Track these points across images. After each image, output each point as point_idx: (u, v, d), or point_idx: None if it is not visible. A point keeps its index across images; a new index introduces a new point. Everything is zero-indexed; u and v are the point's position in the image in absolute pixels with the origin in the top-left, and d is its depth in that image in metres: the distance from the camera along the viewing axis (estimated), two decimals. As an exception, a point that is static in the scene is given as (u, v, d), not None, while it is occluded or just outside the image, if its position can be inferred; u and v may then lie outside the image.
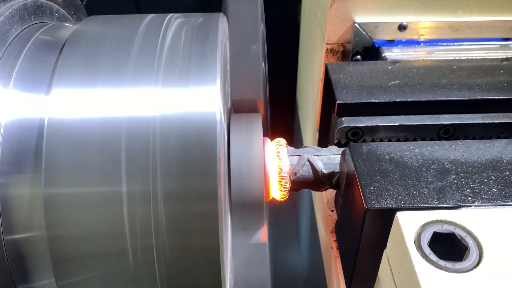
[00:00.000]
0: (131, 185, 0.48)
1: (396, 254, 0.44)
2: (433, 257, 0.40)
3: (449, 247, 0.42)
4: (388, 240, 0.47)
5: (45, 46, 0.58)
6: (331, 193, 0.82)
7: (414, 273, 0.39)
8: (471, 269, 0.39)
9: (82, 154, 0.48)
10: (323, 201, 0.85)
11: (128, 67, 0.52)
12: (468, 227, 0.42)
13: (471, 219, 0.43)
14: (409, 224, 0.43)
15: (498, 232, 0.42)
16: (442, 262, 0.39)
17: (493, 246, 0.40)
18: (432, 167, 0.56)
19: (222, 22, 0.60)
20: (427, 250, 0.40)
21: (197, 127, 0.49)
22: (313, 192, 1.00)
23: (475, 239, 0.41)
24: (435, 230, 0.42)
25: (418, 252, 0.40)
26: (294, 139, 1.34)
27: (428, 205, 0.51)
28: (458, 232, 0.42)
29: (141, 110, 0.50)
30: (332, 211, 0.80)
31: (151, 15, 0.63)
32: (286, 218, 1.37)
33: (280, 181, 0.66)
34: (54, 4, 0.70)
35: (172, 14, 0.63)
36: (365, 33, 0.77)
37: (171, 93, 0.51)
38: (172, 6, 1.40)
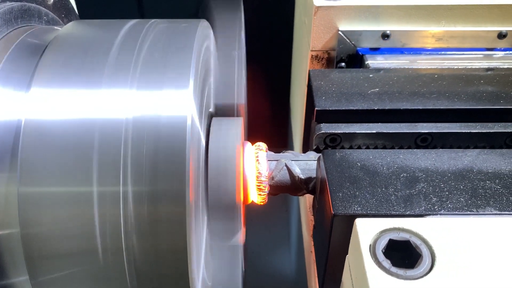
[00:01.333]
0: (102, 186, 0.50)
1: (354, 259, 0.45)
2: (385, 263, 0.41)
3: (404, 255, 0.42)
4: (349, 246, 0.48)
5: (29, 49, 0.60)
6: (314, 198, 0.82)
7: (366, 278, 0.40)
8: (422, 277, 0.40)
9: (56, 154, 0.50)
10: (306, 205, 0.86)
11: (105, 70, 0.54)
12: (423, 235, 0.43)
13: (428, 228, 0.44)
14: (367, 230, 0.44)
15: (453, 241, 0.43)
16: (394, 269, 0.40)
17: (446, 254, 0.41)
18: (402, 175, 0.57)
19: (202, 28, 0.61)
20: (381, 257, 0.41)
21: (168, 130, 0.50)
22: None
23: (429, 247, 0.42)
24: (391, 238, 0.43)
25: (372, 258, 0.41)
26: (288, 144, 1.35)
27: (394, 213, 0.52)
28: (414, 240, 0.42)
29: (114, 112, 0.51)
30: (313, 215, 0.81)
31: (135, 20, 0.64)
32: (278, 221, 1.38)
33: (258, 185, 0.67)
34: (43, 8, 0.72)
35: (155, 20, 0.65)
36: (349, 41, 0.78)
37: (145, 96, 0.52)
38: (174, 9, 1.41)
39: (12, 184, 0.52)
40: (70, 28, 0.62)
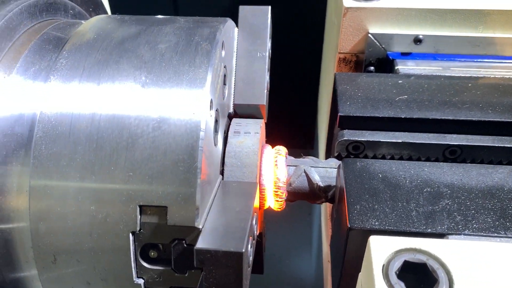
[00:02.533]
0: (113, 183, 0.49)
1: (365, 279, 0.42)
2: (398, 287, 0.38)
3: (420, 278, 0.40)
4: (362, 264, 0.45)
5: (51, 42, 0.59)
6: (334, 205, 0.80)
7: (375, 302, 0.37)
8: (436, 305, 0.37)
9: (69, 149, 0.49)
10: (327, 212, 0.83)
11: (121, 67, 0.53)
12: (442, 259, 0.40)
13: (448, 251, 0.41)
14: (380, 249, 0.41)
15: (474, 268, 0.39)
16: (406, 294, 0.38)
17: (465, 282, 0.38)
18: (425, 190, 0.54)
19: (225, 27, 0.60)
20: (394, 279, 0.38)
21: (180, 134, 0.49)
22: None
23: (447, 272, 0.39)
24: (407, 259, 0.40)
25: (384, 280, 0.39)
26: (314, 147, 1.32)
27: (414, 230, 0.49)
28: (431, 263, 0.39)
29: (128, 109, 0.50)
30: (333, 224, 0.78)
31: (156, 17, 0.63)
32: (301, 225, 1.35)
33: (276, 191, 0.65)
34: (70, 2, 0.72)
35: (178, 17, 0.63)
36: (379, 44, 0.75)
37: (161, 94, 0.51)
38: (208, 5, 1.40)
39: (25, 177, 0.51)
40: (92, 23, 0.61)
